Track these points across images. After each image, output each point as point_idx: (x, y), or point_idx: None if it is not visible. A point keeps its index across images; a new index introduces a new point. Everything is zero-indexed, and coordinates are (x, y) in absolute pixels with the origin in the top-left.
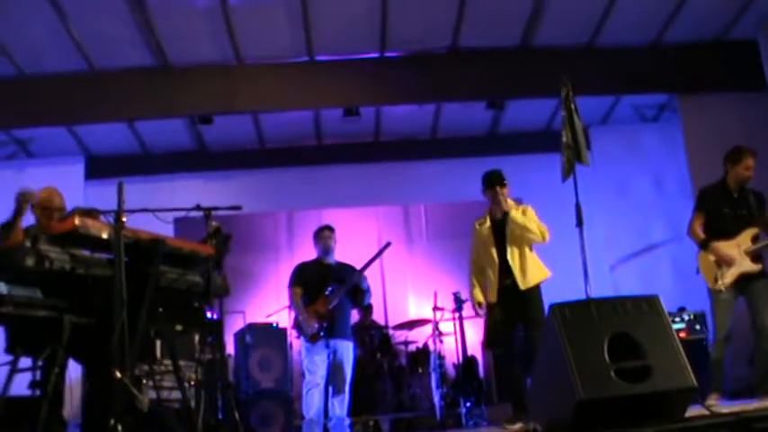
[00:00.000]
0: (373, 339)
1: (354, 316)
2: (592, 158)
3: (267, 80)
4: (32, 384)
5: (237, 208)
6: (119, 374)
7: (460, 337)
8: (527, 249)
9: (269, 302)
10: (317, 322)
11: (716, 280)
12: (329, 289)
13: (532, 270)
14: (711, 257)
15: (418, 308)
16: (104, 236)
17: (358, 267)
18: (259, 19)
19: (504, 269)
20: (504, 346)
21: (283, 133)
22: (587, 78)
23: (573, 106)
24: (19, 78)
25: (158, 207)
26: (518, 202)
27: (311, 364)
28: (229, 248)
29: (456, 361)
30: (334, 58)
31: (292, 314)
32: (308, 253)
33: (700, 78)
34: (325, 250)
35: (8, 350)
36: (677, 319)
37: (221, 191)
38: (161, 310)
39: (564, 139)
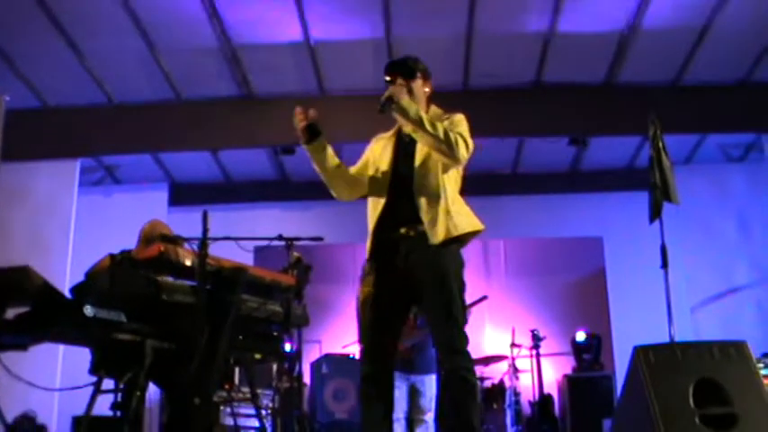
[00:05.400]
0: None
1: None
2: None
3: (349, 112)
4: (114, 406)
5: (319, 239)
6: (197, 400)
7: (537, 374)
8: (446, 181)
9: (346, 333)
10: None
11: None
12: (419, 321)
13: (454, 216)
14: None
15: (495, 344)
16: (188, 263)
17: None
18: (343, 52)
19: (396, 209)
20: (380, 358)
21: None
22: (672, 116)
23: (661, 145)
24: (109, 106)
25: (239, 235)
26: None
27: None
28: (309, 279)
29: (532, 399)
30: None
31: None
32: None
33: None
34: None
35: (92, 371)
36: (761, 365)
37: (301, 220)
38: (241, 338)
39: (652, 179)
